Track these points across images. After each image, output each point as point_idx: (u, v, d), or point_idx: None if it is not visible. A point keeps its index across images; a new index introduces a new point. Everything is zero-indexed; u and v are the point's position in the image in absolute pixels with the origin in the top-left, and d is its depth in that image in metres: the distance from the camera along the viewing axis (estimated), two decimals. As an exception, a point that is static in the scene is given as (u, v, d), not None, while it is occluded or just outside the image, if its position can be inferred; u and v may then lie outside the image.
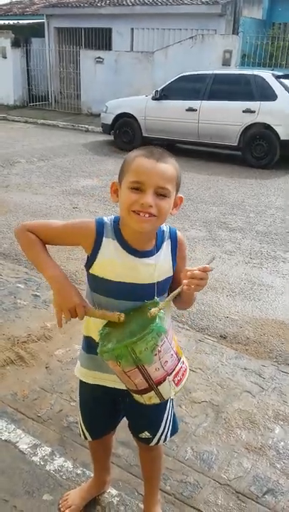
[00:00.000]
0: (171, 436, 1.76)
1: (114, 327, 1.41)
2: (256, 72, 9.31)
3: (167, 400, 1.65)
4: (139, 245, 1.46)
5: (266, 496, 2.07)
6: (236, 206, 6.60)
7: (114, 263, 1.45)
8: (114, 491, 2.03)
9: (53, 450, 2.23)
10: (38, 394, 2.63)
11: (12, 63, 16.82)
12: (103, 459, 1.98)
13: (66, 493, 1.97)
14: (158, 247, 1.49)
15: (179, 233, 1.56)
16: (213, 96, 9.28)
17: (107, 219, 1.49)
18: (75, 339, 3.12)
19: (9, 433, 2.32)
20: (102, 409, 1.72)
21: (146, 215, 1.36)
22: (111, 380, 1.57)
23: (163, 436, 1.72)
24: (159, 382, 1.33)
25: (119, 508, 1.96)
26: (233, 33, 13.23)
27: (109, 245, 1.45)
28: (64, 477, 2.09)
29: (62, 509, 1.90)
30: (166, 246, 1.52)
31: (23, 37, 17.21)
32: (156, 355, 1.29)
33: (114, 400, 1.69)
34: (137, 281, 1.45)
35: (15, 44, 16.73)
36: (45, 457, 2.19)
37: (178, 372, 1.36)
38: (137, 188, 1.35)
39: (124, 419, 1.80)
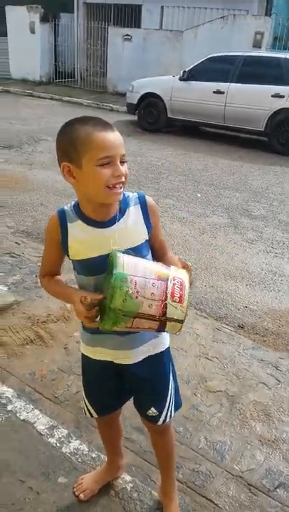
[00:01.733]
0: (175, 412, 1.77)
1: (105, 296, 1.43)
2: (288, 55, 9.08)
3: (168, 375, 1.71)
4: (102, 217, 1.48)
5: (278, 490, 2.08)
6: (260, 193, 6.51)
7: (84, 241, 1.48)
8: (128, 477, 2.06)
9: (69, 432, 2.27)
10: (56, 374, 2.68)
11: (40, 39, 16.66)
12: (113, 442, 2.00)
13: (81, 477, 2.00)
14: (121, 213, 1.50)
15: (148, 197, 1.57)
16: (241, 79, 9.09)
17: (67, 206, 1.53)
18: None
19: (27, 413, 2.37)
20: (108, 385, 1.73)
21: (121, 185, 1.40)
22: (113, 355, 1.60)
23: (169, 413, 1.73)
24: (164, 313, 1.33)
25: (132, 495, 1.99)
26: (265, 15, 12.86)
27: (75, 227, 1.49)
28: (79, 460, 2.13)
29: (76, 493, 1.94)
30: (135, 211, 1.52)
31: (51, 12, 17.01)
32: (136, 297, 1.29)
33: (119, 377, 1.70)
34: (107, 251, 1.45)
35: (44, 19, 16.54)
36: (62, 439, 2.23)
37: (173, 292, 1.33)
38: (107, 163, 1.36)
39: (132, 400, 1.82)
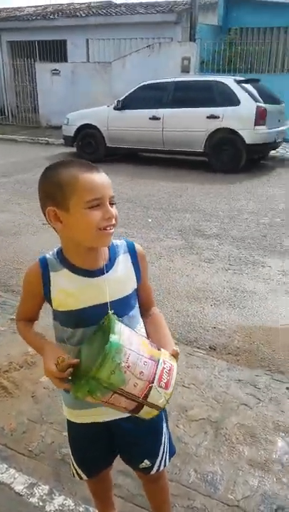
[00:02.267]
0: (170, 459, 1.67)
1: (81, 361, 1.32)
2: (218, 78, 9.40)
3: (161, 422, 1.58)
4: (89, 265, 1.39)
5: (278, 515, 1.98)
6: (209, 213, 6.57)
7: (70, 292, 1.38)
8: (120, 527, 1.90)
9: (51, 488, 2.09)
10: (26, 426, 2.48)
11: None
12: (105, 495, 1.86)
13: (71, 536, 1.83)
14: (111, 263, 1.43)
15: (137, 245, 1.51)
16: (175, 103, 9.31)
17: (49, 254, 1.44)
18: (60, 363, 2.97)
19: (2, 474, 2.16)
20: (97, 446, 1.61)
21: (112, 228, 1.33)
22: (98, 415, 1.47)
23: (163, 462, 1.62)
24: (146, 395, 1.22)
25: None
26: (190, 40, 13.32)
27: (59, 277, 1.39)
28: (66, 517, 1.95)
29: None
30: (124, 260, 1.46)
31: (-24, 52, 16.94)
32: (126, 372, 1.19)
33: (107, 435, 1.57)
34: (95, 302, 1.38)
35: None
36: (44, 497, 2.04)
37: (161, 376, 1.24)
38: (97, 205, 1.30)
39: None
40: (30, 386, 2.80)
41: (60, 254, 1.42)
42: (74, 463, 1.67)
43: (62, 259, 1.40)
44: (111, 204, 1.33)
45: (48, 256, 1.43)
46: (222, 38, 13.65)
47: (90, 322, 1.37)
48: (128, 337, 1.24)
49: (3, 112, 17.44)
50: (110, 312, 1.31)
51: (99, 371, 1.17)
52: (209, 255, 4.98)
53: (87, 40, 16.14)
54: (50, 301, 1.42)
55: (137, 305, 1.50)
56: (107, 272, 1.39)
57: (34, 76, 15.83)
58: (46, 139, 13.35)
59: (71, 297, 1.38)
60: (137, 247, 1.50)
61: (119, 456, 1.69)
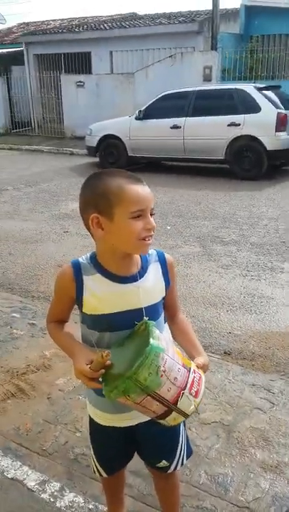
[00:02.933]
0: (187, 459, 1.71)
1: (113, 363, 1.35)
2: (238, 85, 9.43)
3: (178, 426, 1.60)
4: (122, 272, 1.44)
5: (287, 517, 1.98)
6: (228, 219, 6.58)
7: (102, 296, 1.43)
8: (129, 525, 1.94)
9: (62, 485, 2.14)
10: (41, 426, 2.54)
11: (-7, 93, 16.94)
12: (117, 493, 1.90)
13: (80, 531, 1.88)
14: (144, 270, 1.47)
15: (167, 255, 1.56)
16: (196, 112, 9.37)
17: (82, 258, 1.48)
18: (75, 366, 3.03)
19: (15, 470, 2.22)
20: (116, 448, 1.67)
21: (150, 238, 1.38)
22: (124, 420, 1.53)
23: (180, 461, 1.67)
24: (176, 401, 1.26)
25: None
26: (211, 49, 13.40)
27: (92, 281, 1.44)
28: (76, 513, 1.99)
29: None
30: (155, 268, 1.50)
31: (3, 65, 17.37)
32: (162, 376, 1.22)
33: (128, 436, 1.62)
34: (126, 308, 1.42)
35: (-5, 73, 16.88)
36: (55, 493, 2.09)
37: (192, 384, 1.28)
38: (139, 216, 1.35)
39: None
40: (46, 388, 2.86)
41: (93, 259, 1.46)
42: (95, 461, 1.72)
43: (96, 264, 1.45)
44: (151, 215, 1.39)
45: (81, 260, 1.47)
46: (243, 45, 13.68)
47: (119, 327, 1.42)
48: (166, 343, 1.29)
49: (30, 123, 17.79)
50: (146, 318, 1.37)
51: (137, 372, 1.20)
52: (227, 261, 4.99)
53: (111, 52, 16.39)
54: (80, 304, 1.46)
55: (163, 312, 1.55)
56: (140, 278, 1.45)
57: (59, 88, 16.12)
58: (70, 149, 13.56)
59: (103, 302, 1.42)
60: (167, 256, 1.55)
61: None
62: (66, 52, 17.54)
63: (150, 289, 1.46)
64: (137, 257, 1.47)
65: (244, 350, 3.30)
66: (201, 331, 3.55)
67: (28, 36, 18.40)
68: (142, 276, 1.45)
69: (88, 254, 1.49)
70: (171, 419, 1.30)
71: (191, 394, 1.27)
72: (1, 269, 4.88)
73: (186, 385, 1.27)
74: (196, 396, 1.28)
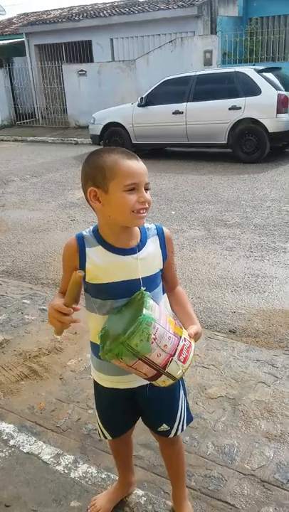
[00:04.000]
0: (187, 425, 1.80)
1: (110, 327, 1.47)
2: (238, 68, 9.39)
3: (178, 390, 1.72)
4: (122, 244, 1.53)
5: (291, 482, 2.08)
6: (232, 203, 6.63)
7: (103, 266, 1.52)
8: (140, 492, 2.04)
9: (76, 458, 2.25)
10: (54, 405, 2.65)
11: (-4, 84, 16.97)
12: (126, 458, 2.00)
13: (93, 498, 1.98)
14: (142, 243, 1.56)
15: (165, 229, 1.64)
16: (198, 97, 9.37)
17: (86, 231, 1.58)
18: (86, 348, 3.14)
19: (31, 445, 2.34)
20: (119, 410, 1.76)
21: (145, 211, 1.46)
22: (125, 381, 1.62)
23: (180, 426, 1.76)
24: (165, 366, 1.37)
25: (147, 508, 1.97)
26: (211, 33, 13.34)
27: (94, 252, 1.53)
28: (89, 483, 2.10)
29: (91, 513, 1.92)
30: (153, 242, 1.59)
31: (4, 57, 17.38)
32: (152, 343, 1.33)
33: (130, 399, 1.72)
34: (125, 278, 1.52)
35: (-3, 65, 16.89)
36: (69, 465, 2.20)
37: (182, 351, 1.39)
38: (133, 189, 1.44)
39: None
40: (58, 369, 2.97)
41: (96, 232, 1.55)
42: (100, 424, 1.82)
43: (98, 236, 1.54)
44: (146, 190, 1.47)
45: (84, 233, 1.57)
46: (243, 28, 13.56)
47: (118, 295, 1.52)
48: (158, 313, 1.39)
49: (34, 114, 17.80)
50: (143, 289, 1.47)
51: (130, 338, 1.32)
52: (231, 244, 5.06)
53: (112, 40, 16.32)
54: (84, 274, 1.55)
55: (161, 284, 1.64)
56: (139, 251, 1.54)
57: (62, 78, 16.11)
58: (75, 139, 13.60)
59: (103, 272, 1.52)
60: (165, 230, 1.63)
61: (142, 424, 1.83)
62: (67, 41, 17.50)
63: (148, 261, 1.55)
64: (137, 231, 1.56)
65: (248, 328, 3.39)
66: (207, 311, 3.64)
67: (28, 27, 18.35)
68: (141, 249, 1.54)
69: (91, 228, 1.58)
70: (161, 381, 1.41)
71: (179, 360, 1.38)
72: (10, 258, 4.99)
73: (175, 351, 1.37)
74: (184, 362, 1.39)
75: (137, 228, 1.56)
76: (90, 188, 1.48)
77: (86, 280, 1.56)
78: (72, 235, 1.60)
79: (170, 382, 1.41)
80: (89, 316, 1.63)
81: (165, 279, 1.67)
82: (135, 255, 1.53)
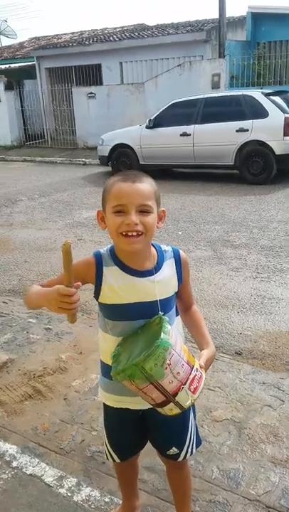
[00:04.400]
0: (196, 448, 1.78)
1: (125, 348, 1.46)
2: (245, 92, 9.51)
3: (188, 414, 1.70)
4: (137, 265, 1.53)
5: (297, 509, 2.04)
6: (238, 223, 6.65)
7: (118, 287, 1.51)
8: (144, 516, 2.01)
9: (79, 480, 2.22)
10: (58, 426, 2.63)
11: (7, 106, 17.27)
12: (131, 482, 1.97)
13: (96, 522, 1.95)
14: (159, 266, 1.56)
15: (182, 252, 1.64)
16: (205, 119, 9.47)
17: (103, 250, 1.57)
18: (90, 369, 3.13)
19: (34, 467, 2.31)
20: (128, 432, 1.75)
21: (134, 234, 1.43)
22: (134, 403, 1.60)
23: (190, 450, 1.74)
24: (176, 393, 1.36)
25: (150, 533, 1.94)
26: (219, 57, 13.52)
27: (110, 272, 1.53)
28: (92, 506, 2.07)
29: (93, 538, 1.89)
30: (170, 265, 1.59)
31: (15, 80, 17.69)
32: (166, 368, 1.33)
33: (139, 421, 1.71)
34: (141, 300, 1.51)
35: (8, 87, 17.21)
36: (72, 488, 2.18)
37: (193, 380, 1.38)
38: (121, 211, 1.43)
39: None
40: (62, 389, 2.96)
41: (112, 251, 1.55)
42: (108, 446, 1.80)
43: (114, 256, 1.54)
44: (143, 212, 1.44)
45: (102, 252, 1.57)
46: (251, 52, 13.77)
47: (133, 317, 1.51)
48: (174, 339, 1.39)
49: (43, 135, 18.05)
50: (161, 313, 1.47)
51: (145, 361, 1.31)
52: (237, 264, 5.06)
53: (121, 63, 16.59)
54: (98, 294, 1.54)
55: (174, 306, 1.64)
56: (155, 273, 1.54)
57: (71, 100, 16.35)
58: (83, 159, 13.74)
59: (118, 293, 1.51)
60: (182, 253, 1.63)
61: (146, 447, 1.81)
62: (77, 64, 17.81)
63: (164, 283, 1.55)
64: (154, 253, 1.56)
65: (254, 349, 3.37)
66: (213, 332, 3.62)
67: (39, 50, 18.72)
68: (158, 271, 1.54)
69: (109, 246, 1.58)
70: (168, 409, 1.40)
71: (190, 390, 1.38)
72: (17, 277, 5.00)
73: (186, 380, 1.37)
74: (194, 392, 1.39)
75: (153, 250, 1.57)
76: (98, 210, 1.52)
77: (99, 301, 1.56)
78: (80, 254, 1.61)
79: (177, 411, 1.40)
80: (102, 335, 1.62)
81: (181, 299, 1.68)
82: (152, 277, 1.52)
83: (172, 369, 1.34)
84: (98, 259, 1.54)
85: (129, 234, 1.43)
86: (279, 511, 2.03)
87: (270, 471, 2.26)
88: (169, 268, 1.58)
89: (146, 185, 1.47)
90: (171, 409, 1.40)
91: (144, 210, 1.44)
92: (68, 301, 1.33)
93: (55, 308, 1.36)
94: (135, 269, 1.52)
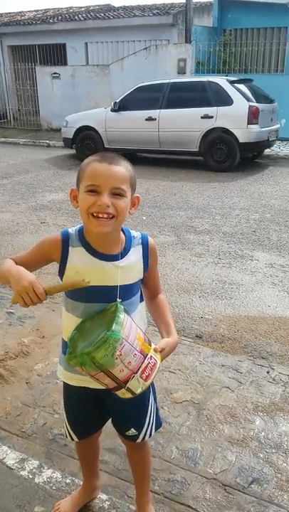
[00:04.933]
0: (155, 431, 1.81)
1: (81, 333, 1.47)
2: (211, 78, 9.55)
3: (148, 395, 1.74)
4: (104, 249, 1.52)
5: (252, 486, 2.12)
6: (202, 210, 6.72)
7: (82, 268, 1.51)
8: (104, 496, 2.05)
9: (41, 463, 2.24)
10: (20, 410, 2.63)
11: None
12: (91, 462, 2.00)
13: (57, 503, 1.98)
14: (126, 251, 1.55)
15: (150, 239, 1.62)
16: (171, 104, 9.46)
17: (72, 229, 1.56)
18: (53, 352, 3.13)
19: (-5, 450, 2.32)
20: (87, 410, 1.76)
21: (105, 216, 1.42)
22: (90, 381, 1.59)
23: (148, 431, 1.76)
24: (127, 381, 1.39)
25: (110, 512, 1.99)
26: (186, 42, 13.48)
27: (76, 252, 1.52)
28: (54, 488, 2.10)
29: (54, 518, 1.92)
30: (136, 251, 1.58)
31: (-24, 57, 17.16)
32: (117, 358, 1.34)
33: (99, 400, 1.73)
34: (103, 283, 1.50)
35: None
36: (33, 470, 2.19)
37: (145, 369, 1.40)
38: (94, 191, 1.42)
39: (109, 422, 1.84)
40: (24, 373, 2.96)
41: (80, 232, 1.54)
42: (67, 425, 1.82)
43: (82, 237, 1.53)
44: (115, 195, 1.42)
45: (70, 231, 1.55)
46: (217, 39, 13.78)
47: (92, 299, 1.50)
48: (128, 329, 1.39)
49: (6, 115, 17.63)
50: (118, 301, 1.46)
51: (95, 352, 1.32)
52: (200, 250, 5.13)
53: (86, 44, 16.33)
54: (62, 272, 1.54)
55: (139, 292, 1.63)
56: (121, 259, 1.52)
57: (35, 80, 16.01)
58: (47, 141, 13.51)
59: (80, 274, 1.48)
60: (150, 240, 1.61)
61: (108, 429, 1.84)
62: (41, 43, 17.42)
63: (128, 269, 1.54)
64: (122, 238, 1.55)
65: (215, 333, 3.45)
66: (175, 316, 3.67)
67: (1, 27, 18.19)
68: (124, 257, 1.53)
69: (78, 226, 1.57)
70: (121, 393, 1.43)
71: (141, 377, 1.40)
72: (-23, 261, 4.92)
73: (138, 369, 1.39)
74: (146, 380, 1.41)
75: (122, 235, 1.55)
76: (71, 188, 1.50)
77: (62, 280, 1.55)
78: (42, 238, 1.60)
79: (129, 395, 1.42)
80: (64, 314, 1.63)
81: (147, 287, 1.67)
82: (116, 262, 1.52)
83: (123, 359, 1.35)
84: (65, 238, 1.53)
85: (100, 216, 1.41)
86: (235, 489, 2.11)
87: (227, 451, 2.34)
88: (135, 254, 1.57)
89: (122, 168, 1.45)
90: (123, 393, 1.42)
91: (117, 193, 1.43)
92: (33, 299, 1.36)
93: (16, 291, 1.36)
94: (101, 252, 1.51)
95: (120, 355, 1.34)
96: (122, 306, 1.44)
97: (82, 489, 2.02)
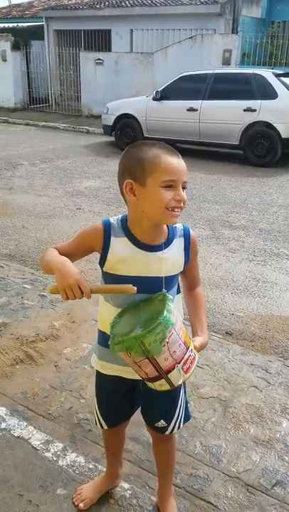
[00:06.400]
0: (184, 423, 1.82)
1: (125, 319, 1.48)
2: (256, 70, 9.35)
3: (179, 388, 1.71)
4: (148, 240, 1.52)
5: (275, 488, 2.10)
6: (239, 205, 6.64)
7: (125, 259, 1.51)
8: (126, 485, 2.07)
9: (65, 446, 2.27)
10: (47, 392, 2.67)
11: (12, 66, 16.91)
12: (116, 450, 2.02)
13: (80, 487, 2.01)
14: (169, 242, 1.55)
15: (192, 232, 1.63)
16: (213, 95, 9.32)
17: (113, 219, 1.56)
18: (82, 338, 3.16)
19: (21, 430, 2.36)
20: (119, 399, 1.78)
21: (179, 210, 1.45)
22: (128, 372, 1.61)
23: (177, 424, 1.77)
24: (169, 371, 1.39)
25: (131, 501, 2.00)
26: (232, 33, 13.26)
27: (118, 243, 1.52)
28: (77, 472, 2.13)
29: (76, 502, 1.94)
30: (179, 242, 1.58)
31: (22, 40, 17.27)
32: (164, 346, 1.34)
33: (131, 390, 1.74)
34: (146, 274, 1.51)
35: (15, 47, 16.83)
36: (58, 453, 2.23)
37: (186, 361, 1.40)
38: (171, 186, 1.42)
39: (138, 411, 1.84)
40: (54, 356, 3.00)
41: (124, 222, 1.54)
42: (98, 412, 1.84)
43: (125, 228, 1.53)
44: (183, 188, 1.45)
45: (111, 221, 1.55)
46: (264, 30, 13.50)
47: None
48: (176, 319, 1.39)
49: (47, 99, 17.76)
50: (165, 291, 1.48)
51: (145, 336, 1.33)
52: (234, 246, 5.07)
53: (131, 30, 16.23)
54: (103, 262, 1.54)
55: (177, 285, 1.64)
56: (164, 249, 1.53)
57: (78, 65, 16.04)
58: (87, 127, 13.57)
59: (122, 264, 1.51)
60: (192, 233, 1.62)
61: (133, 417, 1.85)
62: (86, 28, 17.41)
63: (171, 261, 1.55)
64: (165, 229, 1.55)
65: (245, 331, 3.41)
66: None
67: (48, 11, 18.27)
68: (167, 248, 1.54)
69: (120, 216, 1.57)
70: (158, 385, 1.43)
71: (183, 369, 1.40)
72: (14, 242, 5.00)
73: (181, 360, 1.39)
74: (186, 372, 1.41)
75: (165, 226, 1.55)
76: (126, 181, 1.46)
77: (104, 270, 1.56)
78: (78, 224, 1.59)
79: (167, 387, 1.42)
80: (102, 304, 1.64)
81: (186, 278, 1.68)
82: (159, 253, 1.52)
83: (170, 347, 1.35)
84: (106, 227, 1.53)
85: (175, 209, 1.43)
86: (258, 489, 2.09)
87: (252, 450, 2.31)
88: (177, 246, 1.57)
89: (183, 161, 1.49)
90: (161, 385, 1.43)
91: (184, 187, 1.46)
92: (76, 296, 1.38)
93: (61, 286, 1.39)
94: (145, 243, 1.51)
95: (168, 342, 1.34)
96: (170, 296, 1.45)
97: (105, 476, 2.04)
